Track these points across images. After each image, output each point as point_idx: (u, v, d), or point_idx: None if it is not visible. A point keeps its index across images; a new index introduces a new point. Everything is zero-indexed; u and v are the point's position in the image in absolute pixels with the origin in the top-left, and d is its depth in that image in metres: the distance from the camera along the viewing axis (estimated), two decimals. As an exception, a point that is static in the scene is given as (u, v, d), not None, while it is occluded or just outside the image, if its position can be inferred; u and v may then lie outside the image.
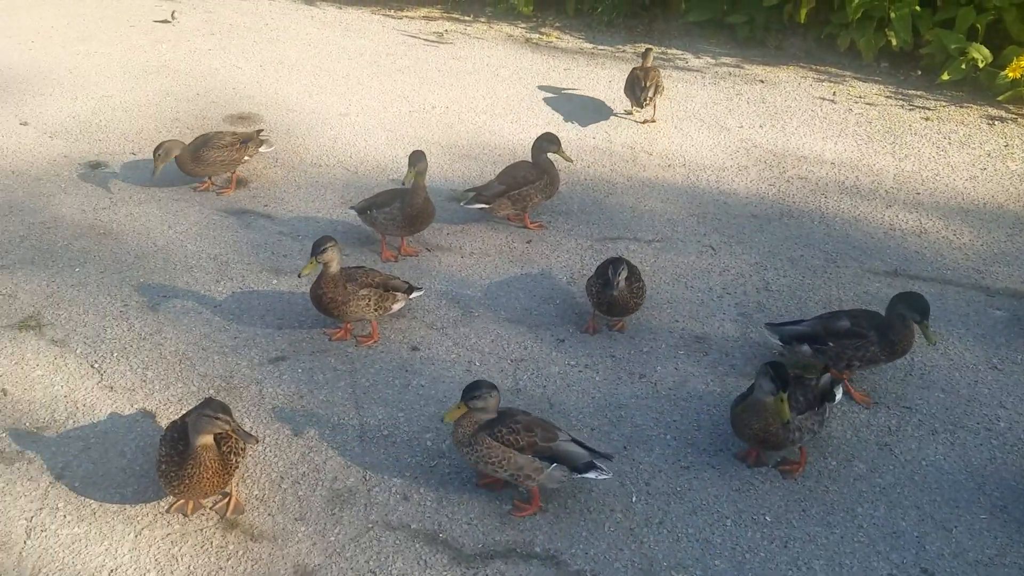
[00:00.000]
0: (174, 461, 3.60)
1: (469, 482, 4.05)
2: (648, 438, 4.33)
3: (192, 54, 8.76)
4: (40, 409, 4.35)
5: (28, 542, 3.68)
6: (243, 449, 3.82)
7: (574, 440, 3.91)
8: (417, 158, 5.37)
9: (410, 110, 7.73)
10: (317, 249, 4.62)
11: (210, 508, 3.85)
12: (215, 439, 3.63)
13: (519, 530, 3.85)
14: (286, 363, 4.74)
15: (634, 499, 4.00)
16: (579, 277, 5.49)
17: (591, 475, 3.83)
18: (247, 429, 4.18)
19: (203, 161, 6.08)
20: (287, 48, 8.99)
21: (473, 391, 3.83)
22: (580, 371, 4.75)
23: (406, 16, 10.01)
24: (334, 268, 4.66)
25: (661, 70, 7.64)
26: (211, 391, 4.46)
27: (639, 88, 7.30)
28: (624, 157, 7.00)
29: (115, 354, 4.73)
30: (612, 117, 7.66)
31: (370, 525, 3.84)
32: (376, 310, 4.80)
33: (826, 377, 4.23)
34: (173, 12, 9.70)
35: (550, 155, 5.90)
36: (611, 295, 4.70)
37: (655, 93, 7.33)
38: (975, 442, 4.30)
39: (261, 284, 5.36)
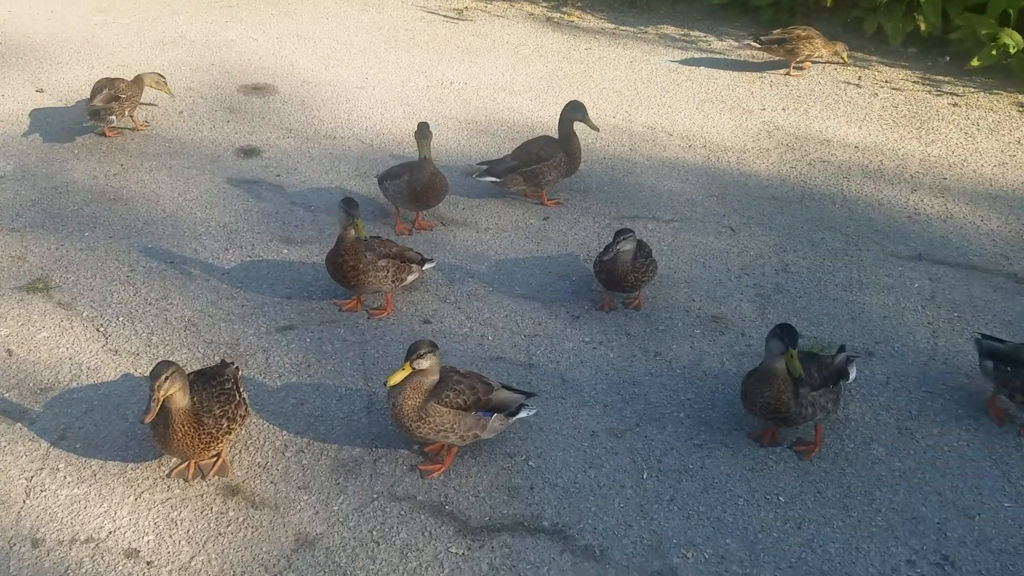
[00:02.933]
0: (160, 418, 3.52)
1: (478, 455, 3.96)
2: (661, 416, 4.22)
3: (209, 26, 8.69)
4: (44, 370, 4.29)
5: (27, 501, 3.62)
6: (242, 416, 3.74)
7: (503, 386, 3.98)
8: (424, 130, 5.25)
9: (428, 85, 7.62)
10: (351, 212, 4.48)
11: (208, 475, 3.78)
12: (195, 404, 3.54)
13: (527, 504, 3.76)
14: (294, 332, 4.66)
15: (645, 476, 3.90)
16: (596, 255, 5.37)
17: (522, 415, 3.94)
18: (246, 396, 4.05)
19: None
20: (304, 22, 8.91)
21: (418, 350, 3.67)
22: (594, 348, 4.65)
23: (429, -7, 9.90)
24: (352, 233, 4.56)
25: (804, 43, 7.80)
26: (217, 358, 4.39)
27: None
28: (644, 137, 6.87)
29: (121, 318, 4.67)
30: (632, 97, 7.53)
31: (375, 495, 3.76)
32: (393, 281, 4.72)
33: (841, 356, 4.12)
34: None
35: (576, 127, 5.77)
36: (605, 261, 4.66)
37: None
38: (1000, 429, 4.17)
39: (271, 253, 5.28)
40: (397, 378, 3.68)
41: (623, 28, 9.08)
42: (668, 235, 5.62)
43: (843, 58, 8.09)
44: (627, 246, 4.66)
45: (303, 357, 4.49)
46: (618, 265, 4.66)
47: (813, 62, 8.19)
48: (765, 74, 8.00)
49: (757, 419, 4.05)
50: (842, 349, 4.22)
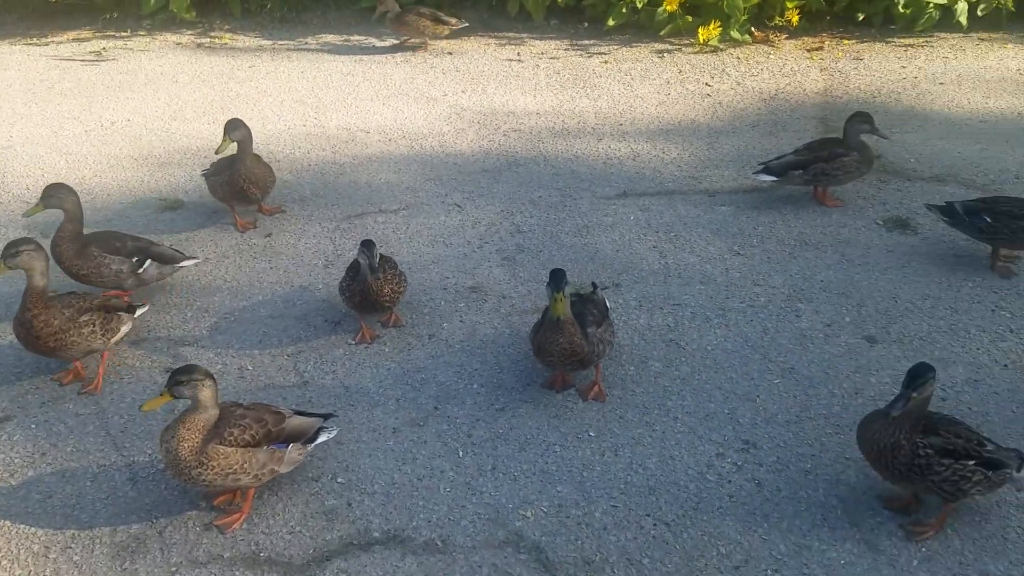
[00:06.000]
0: None
1: (278, 489, 3.58)
2: (456, 393, 4.11)
3: None
4: None
5: None
6: None
7: (296, 412, 3.60)
8: (234, 125, 5.12)
9: (86, 130, 6.82)
10: (7, 253, 3.83)
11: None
12: None
13: (350, 521, 3.46)
14: (13, 423, 3.91)
15: (461, 454, 3.77)
16: (335, 258, 5.13)
17: (321, 439, 3.59)
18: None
19: None
20: (-93, 91, 7.57)
21: (180, 375, 3.24)
22: (366, 347, 4.41)
23: (52, 42, 8.86)
24: (38, 280, 3.87)
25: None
26: (-81, 478, 3.54)
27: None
28: (342, 138, 6.69)
29: None
30: (316, 104, 7.31)
31: (173, 568, 3.26)
32: (104, 335, 4.08)
33: (599, 290, 4.31)
34: None
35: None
36: (366, 280, 4.20)
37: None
38: (745, 319, 4.58)
39: (-48, 345, 4.39)
40: (153, 404, 3.29)
41: (281, 43, 8.79)
42: (401, 224, 5.51)
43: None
44: (378, 256, 4.20)
45: (34, 446, 3.78)
46: (374, 283, 4.21)
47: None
48: (434, 64, 8.16)
49: (550, 369, 4.08)
50: (594, 285, 4.40)
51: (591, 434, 3.87)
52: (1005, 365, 4.16)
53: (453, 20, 8.42)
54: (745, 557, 3.29)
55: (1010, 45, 7.99)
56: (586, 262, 5.10)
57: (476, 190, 5.93)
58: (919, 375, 3.17)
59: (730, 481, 3.62)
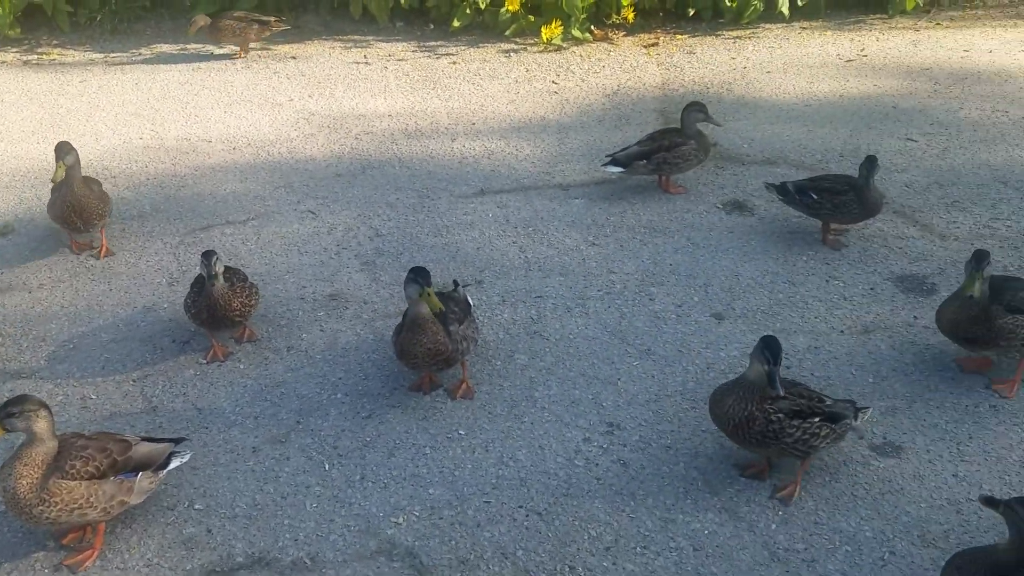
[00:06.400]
0: None
1: (131, 522, 3.40)
2: (319, 405, 4.01)
3: None
4: None
5: None
6: None
7: (144, 438, 3.43)
8: (65, 149, 4.76)
9: None
10: None
11: None
12: None
13: (211, 548, 3.33)
14: None
15: (327, 467, 3.68)
16: (179, 275, 4.91)
17: (174, 465, 3.43)
18: None
19: None
20: None
21: (11, 407, 3.05)
22: (220, 365, 4.24)
23: None
24: None
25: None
26: None
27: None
28: (182, 149, 6.41)
29: None
30: (153, 115, 6.97)
31: (23, 620, 3.03)
32: None
33: (460, 288, 4.31)
34: None
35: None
36: (211, 295, 4.06)
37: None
38: (603, 306, 4.68)
39: None
40: None
41: (114, 55, 8.34)
42: (251, 234, 5.33)
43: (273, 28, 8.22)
44: (221, 266, 4.12)
45: None
46: (219, 292, 4.05)
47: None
48: (278, 70, 7.94)
49: (416, 371, 4.04)
50: (456, 283, 4.40)
51: (461, 432, 3.86)
52: (841, 331, 4.44)
53: (272, 19, 8.18)
54: (615, 537, 3.37)
55: (829, 32, 8.53)
56: (448, 261, 5.08)
57: (330, 195, 5.81)
58: (780, 349, 3.33)
59: (597, 464, 3.70)
